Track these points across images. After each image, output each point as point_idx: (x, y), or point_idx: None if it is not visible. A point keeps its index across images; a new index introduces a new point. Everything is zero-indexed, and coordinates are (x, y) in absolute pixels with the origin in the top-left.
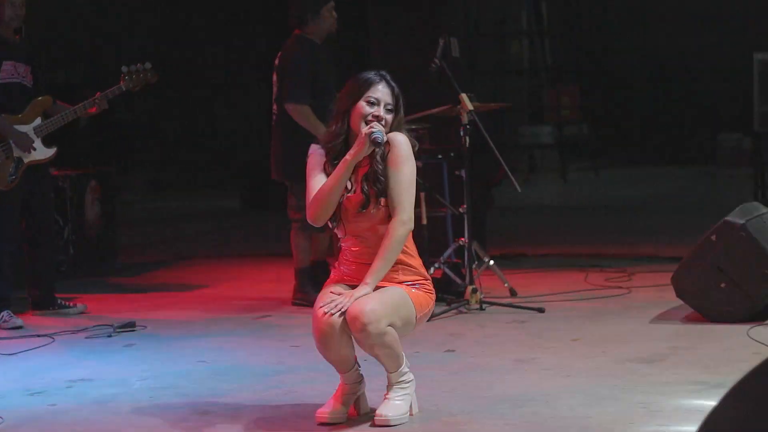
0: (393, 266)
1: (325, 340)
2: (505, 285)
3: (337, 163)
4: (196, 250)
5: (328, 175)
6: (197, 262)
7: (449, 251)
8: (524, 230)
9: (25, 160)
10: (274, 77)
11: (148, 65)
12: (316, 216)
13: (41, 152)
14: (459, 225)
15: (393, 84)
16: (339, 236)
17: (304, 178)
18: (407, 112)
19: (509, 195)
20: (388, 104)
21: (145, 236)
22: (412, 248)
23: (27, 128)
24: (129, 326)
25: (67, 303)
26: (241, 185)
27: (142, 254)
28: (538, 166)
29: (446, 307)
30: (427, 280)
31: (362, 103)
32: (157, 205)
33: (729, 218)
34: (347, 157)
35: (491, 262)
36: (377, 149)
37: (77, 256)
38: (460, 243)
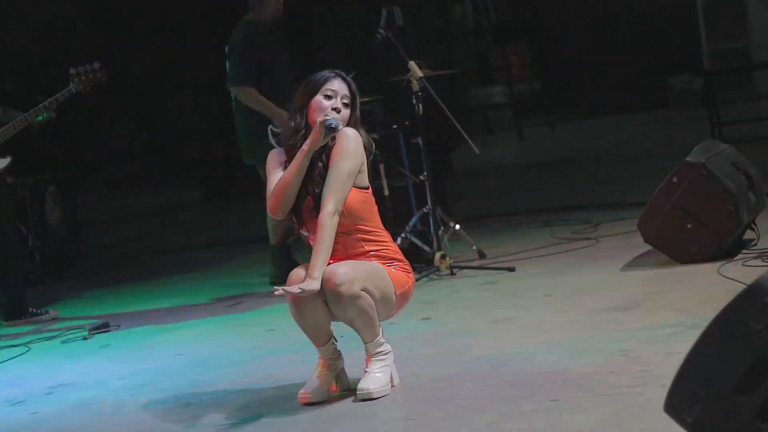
0: (354, 238)
1: (299, 304)
2: (473, 248)
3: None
4: (162, 244)
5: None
6: (164, 256)
7: (414, 220)
8: (486, 192)
9: None
10: (227, 63)
11: (96, 65)
12: (275, 208)
13: None
14: (421, 193)
15: (349, 80)
16: (305, 235)
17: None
18: (361, 83)
19: (468, 158)
20: (345, 96)
21: (108, 235)
22: (373, 224)
23: None
24: (103, 327)
25: (38, 310)
26: (201, 176)
27: (108, 254)
28: (493, 126)
29: (417, 276)
30: (402, 261)
31: (319, 97)
32: (118, 204)
33: (689, 158)
34: (304, 147)
35: (457, 226)
36: (331, 137)
37: (43, 262)
38: (425, 210)
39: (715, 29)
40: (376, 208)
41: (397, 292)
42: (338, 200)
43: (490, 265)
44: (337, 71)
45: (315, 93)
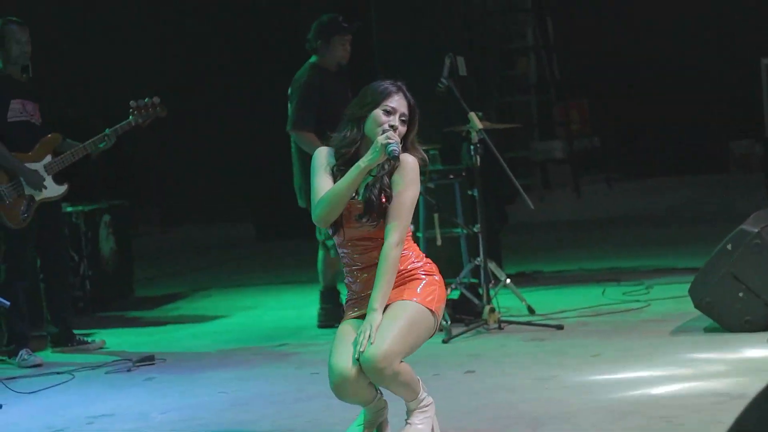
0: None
1: (341, 391)
2: (523, 303)
3: (345, 169)
4: (213, 280)
5: (333, 177)
6: (214, 292)
7: (465, 271)
8: (540, 247)
9: (37, 198)
10: (289, 105)
11: (157, 99)
12: (323, 217)
13: (52, 189)
14: (474, 245)
15: (409, 96)
16: (337, 243)
17: None
18: (419, 131)
19: (523, 212)
20: (404, 114)
21: (161, 269)
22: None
23: (37, 166)
24: (148, 360)
25: (85, 339)
26: (256, 214)
27: (159, 287)
28: (551, 181)
29: (465, 328)
30: (429, 264)
31: (379, 111)
32: (172, 237)
33: (744, 226)
34: (361, 163)
35: (508, 280)
36: (390, 160)
37: (94, 291)
38: (476, 263)
39: None
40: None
41: (436, 319)
42: (402, 231)
43: (538, 322)
44: (399, 84)
45: (375, 106)
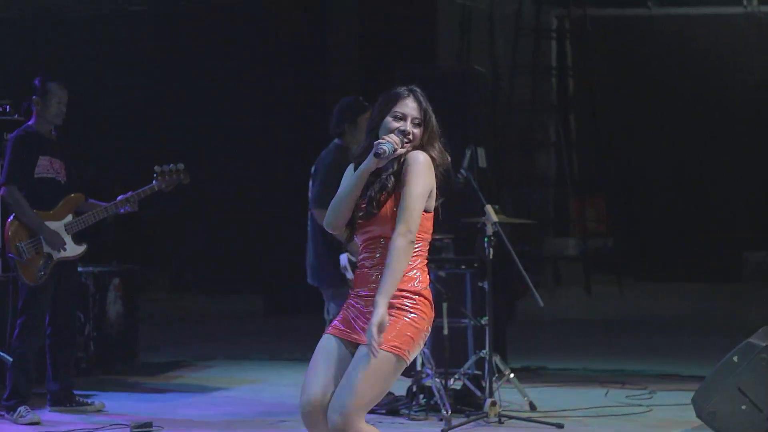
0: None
1: (308, 420)
2: (525, 399)
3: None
4: (217, 350)
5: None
6: (217, 363)
7: (470, 363)
8: (546, 343)
9: (55, 257)
10: (310, 183)
11: (181, 166)
12: (329, 221)
13: (71, 249)
14: (480, 337)
15: (421, 98)
16: (358, 242)
17: (335, 284)
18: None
19: (532, 307)
20: (416, 119)
21: (166, 335)
22: (419, 248)
23: (58, 225)
24: (146, 426)
25: (85, 400)
26: (264, 287)
27: (163, 353)
28: (562, 278)
29: (465, 420)
30: (425, 297)
31: (389, 118)
32: (179, 304)
33: (752, 340)
34: (361, 167)
35: (511, 375)
36: (388, 162)
37: (97, 353)
38: (481, 355)
39: None
40: (428, 234)
41: (407, 358)
42: (407, 220)
43: (539, 419)
44: (412, 87)
45: (387, 113)
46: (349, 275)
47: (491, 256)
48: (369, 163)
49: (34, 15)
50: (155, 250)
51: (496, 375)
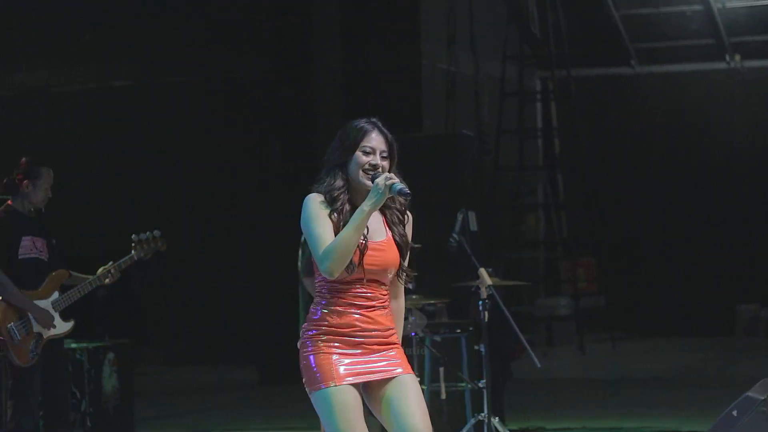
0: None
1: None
2: None
3: (341, 216)
4: (214, 423)
5: (334, 224)
6: None
7: (468, 426)
8: (542, 403)
9: (45, 336)
10: (300, 252)
11: (157, 233)
12: (336, 268)
13: (60, 326)
14: (478, 400)
15: (385, 130)
16: (348, 280)
17: None
18: (429, 284)
19: (526, 368)
20: (383, 152)
21: (161, 409)
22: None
23: (45, 303)
24: None
25: None
26: (258, 359)
27: (160, 427)
28: (555, 338)
29: None
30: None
31: (359, 153)
32: (173, 377)
33: (750, 393)
34: (364, 207)
35: None
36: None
37: (94, 429)
38: (480, 418)
39: None
40: None
41: None
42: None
43: None
44: (374, 120)
45: (354, 149)
46: None
47: (486, 320)
48: (378, 203)
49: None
50: (146, 323)
51: None
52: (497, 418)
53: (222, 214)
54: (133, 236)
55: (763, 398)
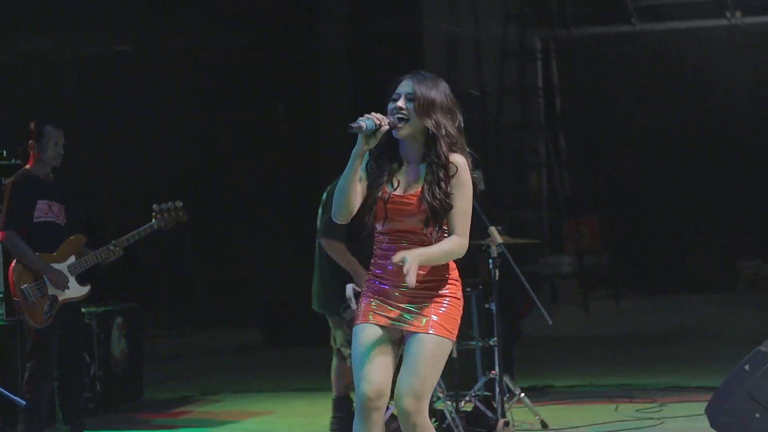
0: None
1: (373, 406)
2: (536, 417)
3: (375, 164)
4: (222, 385)
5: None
6: (224, 397)
7: (480, 384)
8: (549, 361)
9: (60, 298)
10: (320, 211)
11: (179, 203)
12: (336, 212)
13: (75, 290)
14: (489, 358)
15: (418, 78)
16: (376, 232)
17: (340, 312)
18: None
19: (532, 326)
20: (408, 94)
21: (170, 372)
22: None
23: (61, 266)
24: None
25: None
26: (264, 321)
27: (168, 390)
28: (559, 296)
29: None
30: (458, 281)
31: (390, 102)
32: (179, 340)
33: (762, 347)
34: (354, 151)
35: (522, 394)
36: (369, 137)
37: (104, 392)
38: (491, 376)
39: None
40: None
41: (454, 339)
42: (466, 227)
43: None
44: (415, 71)
45: (390, 99)
46: (354, 305)
47: (497, 278)
48: (358, 145)
49: (24, 59)
50: (152, 287)
51: (507, 395)
52: (508, 375)
53: (227, 178)
54: (155, 206)
55: None
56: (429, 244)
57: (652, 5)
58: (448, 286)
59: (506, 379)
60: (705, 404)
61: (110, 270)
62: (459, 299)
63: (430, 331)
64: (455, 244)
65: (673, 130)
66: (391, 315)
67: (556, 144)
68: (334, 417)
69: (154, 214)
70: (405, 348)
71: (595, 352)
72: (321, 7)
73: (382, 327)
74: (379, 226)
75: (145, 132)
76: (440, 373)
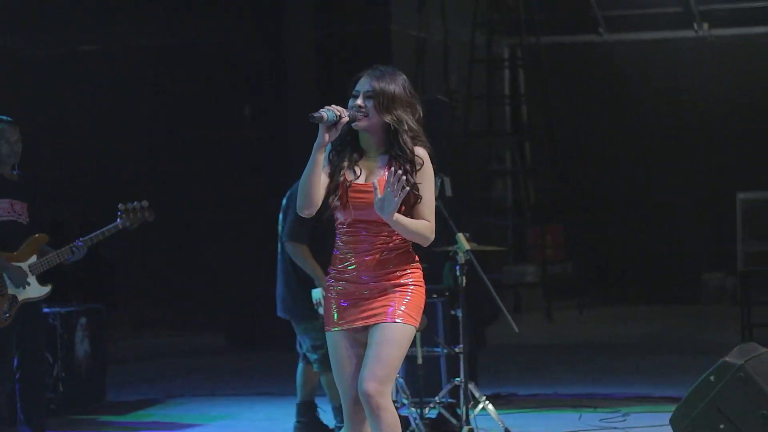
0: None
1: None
2: (501, 425)
3: (334, 158)
4: (185, 388)
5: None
6: (187, 400)
7: (444, 391)
8: (513, 369)
9: (20, 298)
10: (281, 216)
11: (145, 203)
12: (300, 205)
13: (36, 290)
14: (453, 365)
15: (376, 74)
16: (341, 220)
17: (306, 317)
18: None
19: (496, 334)
20: (367, 91)
21: (133, 374)
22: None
23: (22, 265)
24: None
25: None
26: (229, 325)
27: (131, 392)
28: (523, 305)
29: None
30: (420, 270)
31: (351, 99)
32: (142, 343)
33: (728, 358)
34: (315, 143)
35: (486, 402)
36: (332, 126)
37: (66, 393)
38: (456, 383)
39: (752, 230)
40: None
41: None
42: (433, 216)
43: None
44: (374, 66)
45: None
46: (322, 310)
47: (464, 284)
48: (320, 137)
49: None
50: (117, 289)
51: (471, 402)
52: (472, 383)
53: (193, 179)
54: (120, 205)
55: (740, 363)
56: (388, 235)
57: (620, 16)
58: (411, 274)
59: (471, 387)
60: (669, 414)
61: (75, 270)
62: (422, 286)
63: (397, 321)
64: (427, 226)
65: (639, 141)
66: (359, 315)
67: (522, 152)
68: (298, 422)
69: (119, 213)
70: (369, 335)
71: (559, 360)
72: (289, 11)
73: (353, 332)
74: (340, 216)
75: (111, 131)
76: (404, 357)
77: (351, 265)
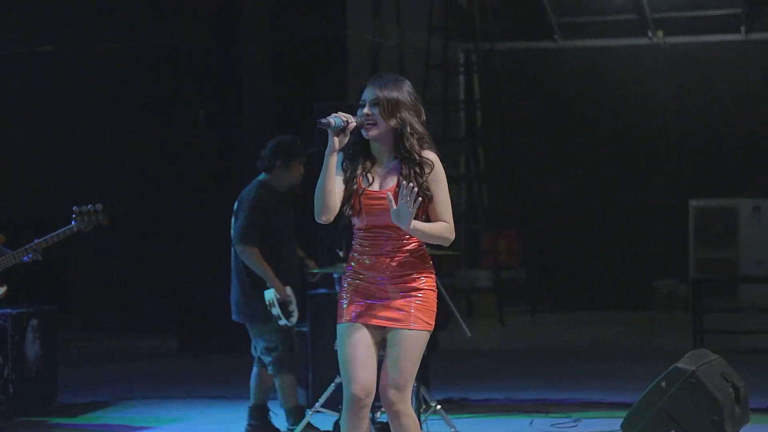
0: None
1: (360, 405)
2: (452, 429)
3: (349, 165)
4: (136, 390)
5: (345, 175)
6: (138, 403)
7: None
8: (464, 374)
9: None
10: (233, 220)
11: (99, 206)
12: (317, 213)
13: None
14: None
15: (380, 83)
16: (358, 225)
17: (262, 320)
18: None
19: (448, 338)
20: (372, 100)
21: (83, 376)
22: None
23: None
24: None
25: None
26: (181, 327)
27: (82, 394)
28: (475, 310)
29: None
30: (433, 274)
31: (359, 110)
32: (93, 345)
33: (679, 364)
34: (326, 150)
35: (438, 406)
36: (338, 132)
37: (17, 395)
38: None
39: (705, 238)
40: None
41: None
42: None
43: None
44: (378, 74)
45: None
46: (275, 311)
47: None
48: (330, 144)
49: None
50: (68, 290)
51: (423, 407)
52: (424, 387)
53: (147, 182)
54: (75, 208)
55: (692, 369)
56: (403, 239)
57: (575, 23)
58: (424, 279)
59: (423, 391)
60: (621, 420)
61: (27, 271)
62: (434, 290)
63: (413, 326)
64: (445, 227)
65: (592, 147)
66: (375, 313)
67: (476, 157)
68: (249, 425)
69: (74, 216)
70: (388, 341)
71: (510, 365)
72: (245, 15)
73: (366, 326)
74: (356, 221)
75: (66, 133)
76: (420, 361)
77: (368, 267)
